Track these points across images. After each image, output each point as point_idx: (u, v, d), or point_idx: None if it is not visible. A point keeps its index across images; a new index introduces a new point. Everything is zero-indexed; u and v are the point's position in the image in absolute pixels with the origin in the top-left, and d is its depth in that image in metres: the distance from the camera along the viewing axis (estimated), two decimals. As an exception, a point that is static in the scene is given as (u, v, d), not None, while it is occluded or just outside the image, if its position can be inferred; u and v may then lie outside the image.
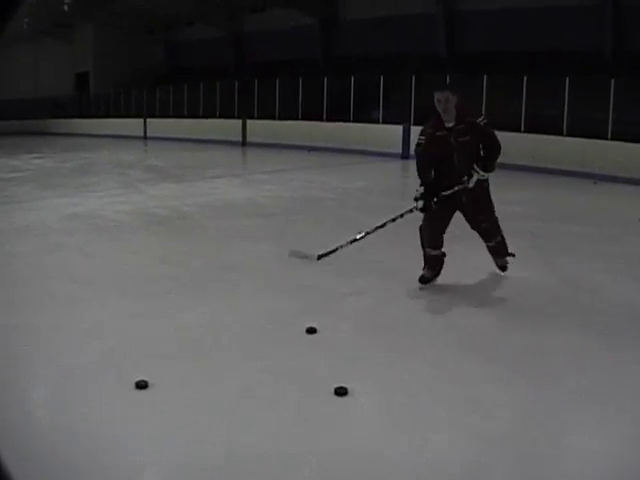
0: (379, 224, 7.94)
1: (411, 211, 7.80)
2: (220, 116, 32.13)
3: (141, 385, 5.44)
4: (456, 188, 7.66)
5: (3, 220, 13.74)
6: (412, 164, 20.78)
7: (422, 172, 7.79)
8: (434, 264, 8.19)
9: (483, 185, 7.89)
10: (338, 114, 26.92)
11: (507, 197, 15.32)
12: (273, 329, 6.87)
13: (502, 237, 8.30)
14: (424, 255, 8.18)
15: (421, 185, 7.69)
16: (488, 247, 8.37)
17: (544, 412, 5.12)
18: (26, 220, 13.53)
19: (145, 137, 37.55)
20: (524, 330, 6.86)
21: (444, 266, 8.31)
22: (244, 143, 30.22)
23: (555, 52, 23.84)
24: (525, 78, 21.55)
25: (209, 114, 33.12)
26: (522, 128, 21.35)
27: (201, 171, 20.01)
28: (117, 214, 13.61)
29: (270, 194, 15.86)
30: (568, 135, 20.35)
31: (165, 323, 7.15)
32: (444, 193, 7.64)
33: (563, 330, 6.82)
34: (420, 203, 7.63)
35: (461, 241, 8.89)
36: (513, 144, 20.55)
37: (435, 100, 7.62)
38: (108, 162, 26.57)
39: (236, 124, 30.59)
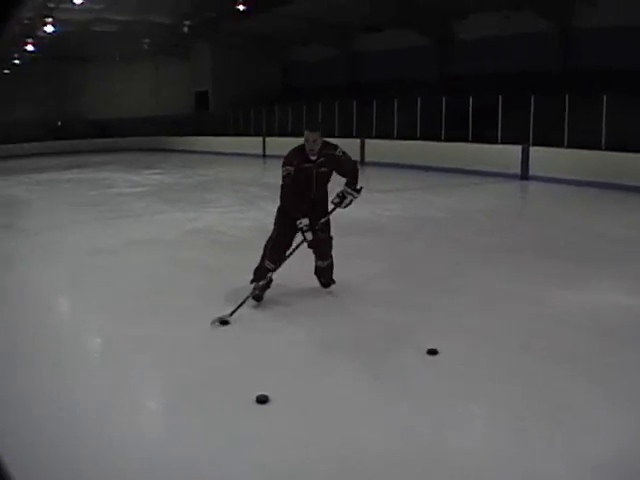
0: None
1: (303, 242, 8.29)
2: (338, 135, 32.19)
3: (261, 400, 5.53)
4: (330, 212, 8.52)
5: (124, 233, 14.08)
6: (533, 185, 20.88)
7: (295, 204, 8.25)
8: (267, 280, 8.45)
9: (326, 202, 8.58)
10: (456, 134, 26.79)
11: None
12: (387, 345, 6.91)
13: (332, 261, 8.88)
14: (259, 267, 8.62)
15: (303, 216, 8.10)
16: (317, 267, 8.88)
17: None
18: (147, 233, 13.87)
19: (264, 155, 37.86)
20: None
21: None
22: (362, 162, 30.19)
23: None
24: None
25: (327, 133, 33.10)
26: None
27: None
28: (236, 230, 13.81)
29: (388, 213, 15.82)
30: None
31: (279, 339, 7.25)
32: (322, 220, 8.39)
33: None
34: (309, 235, 8.11)
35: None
36: (636, 165, 20.08)
37: (305, 137, 8.24)
38: (227, 179, 26.95)
39: (354, 143, 30.51)
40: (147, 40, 44.64)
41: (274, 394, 5.64)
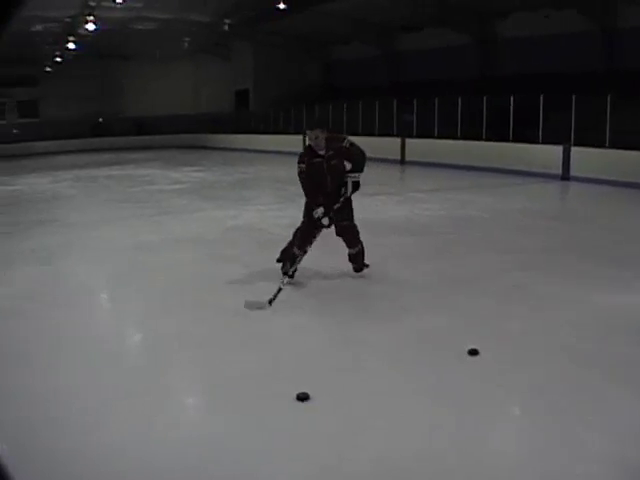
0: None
1: (321, 229, 9.26)
2: (379, 134, 32.09)
3: (301, 397, 5.55)
4: (341, 200, 9.23)
5: (165, 230, 14.20)
6: (573, 186, 20.59)
7: (312, 195, 9.23)
8: (290, 260, 9.35)
9: (349, 197, 9.38)
10: (497, 133, 26.59)
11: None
12: (430, 349, 6.87)
13: (362, 247, 9.65)
14: (287, 251, 9.63)
15: (318, 206, 9.06)
16: (349, 255, 9.67)
17: None
18: (187, 230, 13.96)
19: (304, 153, 37.78)
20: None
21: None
22: (403, 162, 30.30)
23: None
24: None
25: (368, 132, 33.10)
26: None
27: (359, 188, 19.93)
28: (276, 227, 13.80)
29: (428, 213, 15.73)
30: None
31: (326, 336, 7.27)
32: (335, 207, 9.18)
33: None
34: (325, 220, 9.07)
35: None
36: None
37: (307, 136, 9.27)
38: (267, 177, 26.97)
39: (394, 142, 30.73)
40: (187, 39, 44.80)
41: (310, 390, 5.67)
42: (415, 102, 30.78)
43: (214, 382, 6.22)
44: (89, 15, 34.73)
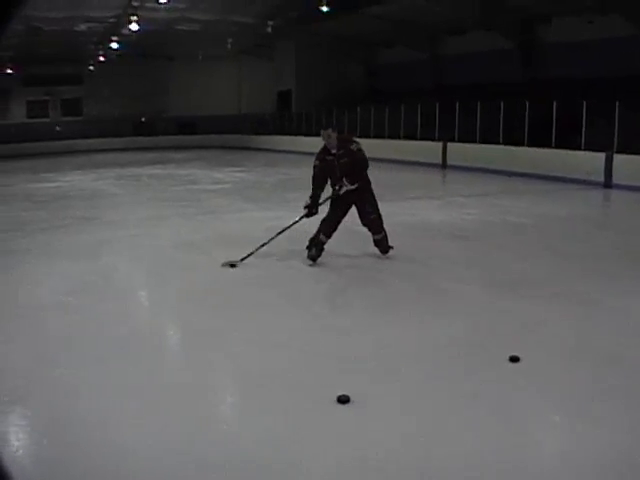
0: (280, 230, 11.16)
1: (302, 218, 10.94)
2: (421, 138, 31.97)
3: (343, 400, 5.54)
4: (333, 196, 10.68)
5: (206, 229, 14.34)
6: (616, 193, 20.38)
7: (316, 185, 10.73)
8: (321, 247, 10.78)
9: (368, 188, 10.79)
10: (539, 139, 26.37)
11: None
12: (472, 354, 6.84)
13: (385, 233, 10.97)
14: (315, 239, 10.82)
15: (310, 197, 10.70)
16: (374, 240, 11.01)
17: None
18: (228, 230, 14.06)
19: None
20: None
21: None
22: (444, 166, 30.08)
23: None
24: None
25: (409, 136, 33.06)
26: None
27: (401, 192, 19.74)
28: (315, 228, 13.80)
29: (469, 218, 15.65)
30: None
31: (365, 339, 7.26)
32: (321, 202, 10.78)
33: None
34: (305, 210, 10.77)
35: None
36: None
37: (321, 135, 10.62)
38: (309, 179, 26.95)
39: (436, 146, 30.49)
40: (230, 40, 44.92)
41: (347, 393, 5.66)
42: (457, 106, 30.67)
43: (248, 380, 6.24)
44: (132, 15, 35.07)
